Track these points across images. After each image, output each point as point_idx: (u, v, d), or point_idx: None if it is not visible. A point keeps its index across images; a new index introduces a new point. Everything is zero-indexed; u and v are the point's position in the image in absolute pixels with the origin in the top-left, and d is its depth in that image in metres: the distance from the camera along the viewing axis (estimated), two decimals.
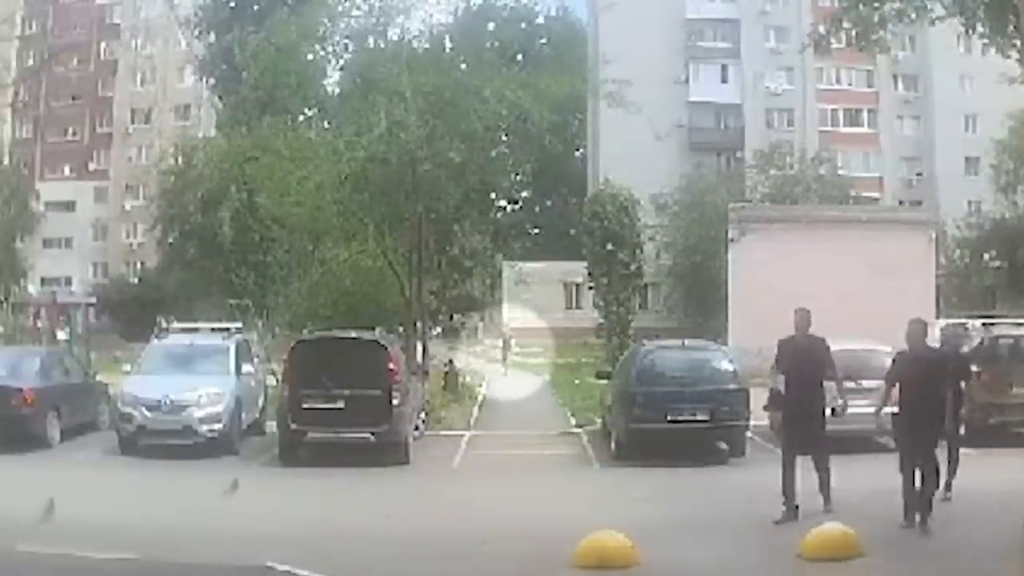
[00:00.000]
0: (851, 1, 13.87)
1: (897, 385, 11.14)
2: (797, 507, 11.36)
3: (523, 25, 69.24)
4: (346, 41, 24.44)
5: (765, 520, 11.15)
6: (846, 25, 14.06)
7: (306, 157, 22.75)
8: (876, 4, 13.69)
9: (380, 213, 23.77)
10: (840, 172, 55.30)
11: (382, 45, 23.72)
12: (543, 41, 73.08)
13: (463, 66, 23.59)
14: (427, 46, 24.55)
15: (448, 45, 26.64)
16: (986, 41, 13.70)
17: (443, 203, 23.85)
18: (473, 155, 22.75)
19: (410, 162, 21.92)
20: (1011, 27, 11.92)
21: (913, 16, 13.83)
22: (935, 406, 10.73)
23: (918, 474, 10.68)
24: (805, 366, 11.62)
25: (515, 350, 40.92)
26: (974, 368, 18.09)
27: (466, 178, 23.52)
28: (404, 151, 21.64)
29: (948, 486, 12.05)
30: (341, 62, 25.24)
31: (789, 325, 12.08)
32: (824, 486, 11.71)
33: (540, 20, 74.01)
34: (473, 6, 49.22)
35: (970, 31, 13.77)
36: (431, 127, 21.62)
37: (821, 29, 14.54)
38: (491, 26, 42.91)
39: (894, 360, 11.41)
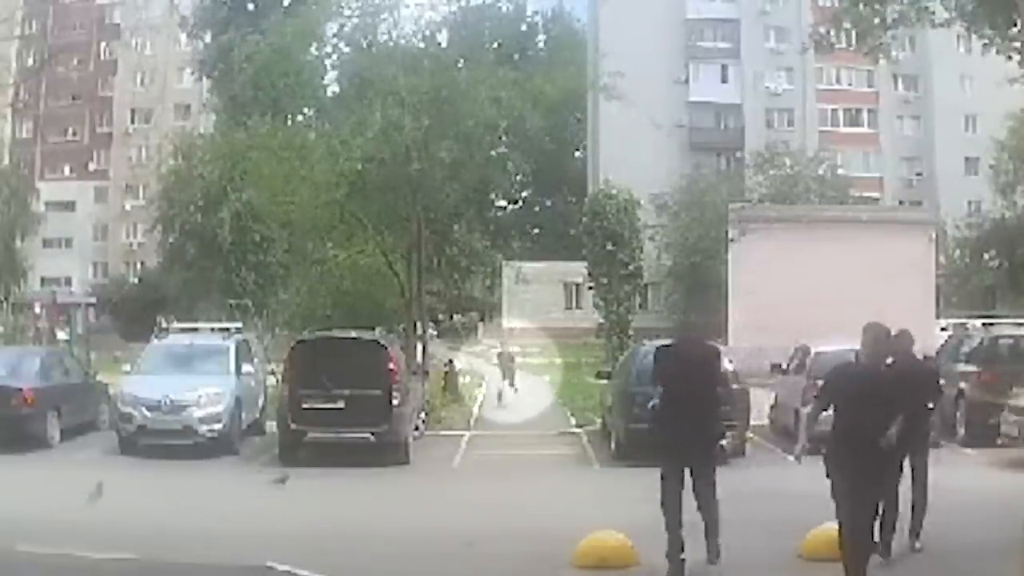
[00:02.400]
0: (851, 1, 13.85)
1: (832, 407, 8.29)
2: (683, 561, 9.05)
3: (521, 26, 69.35)
4: (342, 42, 24.47)
5: (765, 520, 11.14)
6: (846, 25, 14.04)
7: (302, 157, 22.77)
8: (877, 5, 13.67)
9: (378, 213, 23.79)
10: (840, 172, 55.32)
11: (377, 45, 23.74)
12: (541, 41, 73.19)
13: (460, 66, 23.61)
14: (423, 46, 24.56)
15: (444, 45, 26.67)
16: (987, 43, 13.68)
17: (441, 203, 23.88)
18: (471, 155, 22.77)
19: (406, 162, 21.93)
20: (1014, 29, 11.91)
21: (914, 19, 13.80)
22: (879, 435, 8.00)
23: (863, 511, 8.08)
24: (692, 377, 9.36)
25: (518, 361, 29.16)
26: (972, 368, 18.21)
27: (464, 178, 23.54)
28: (399, 151, 21.67)
29: (916, 533, 9.79)
30: (338, 62, 25.26)
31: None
32: (711, 534, 9.25)
33: (538, 21, 74.13)
34: (470, 5, 49.26)
35: (972, 34, 13.75)
36: (426, 127, 21.64)
37: (821, 29, 14.52)
38: (488, 26, 42.98)
39: (828, 377, 8.54)
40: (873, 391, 8.06)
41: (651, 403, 9.64)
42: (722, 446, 9.59)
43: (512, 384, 26.26)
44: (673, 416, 9.38)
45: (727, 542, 9.30)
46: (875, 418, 8.01)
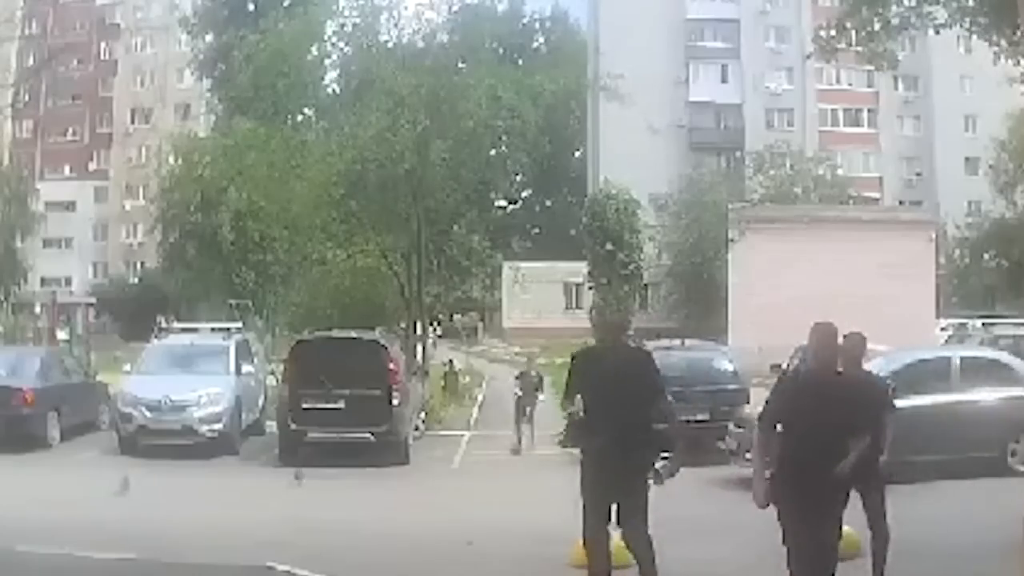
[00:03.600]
0: (853, 5, 13.83)
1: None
2: None
3: (520, 26, 69.28)
4: (342, 42, 24.51)
5: (765, 520, 11.12)
6: (848, 25, 14.02)
7: (301, 156, 22.81)
8: (879, 11, 13.66)
9: (377, 213, 23.81)
10: (840, 172, 55.33)
11: (377, 45, 23.77)
12: (541, 42, 73.18)
13: (460, 66, 23.65)
14: (422, 46, 24.61)
15: (444, 45, 26.72)
16: (995, 50, 13.68)
17: (441, 203, 23.90)
18: (470, 154, 22.80)
19: (404, 162, 21.96)
20: (1017, 32, 11.88)
21: (916, 24, 13.79)
22: (839, 458, 6.81)
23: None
24: (622, 385, 7.62)
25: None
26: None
27: (464, 178, 23.56)
28: (397, 151, 21.69)
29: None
30: (338, 62, 25.30)
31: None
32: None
33: (537, 21, 74.15)
34: (468, 5, 49.29)
35: (974, 36, 13.74)
36: (425, 127, 21.67)
37: (823, 34, 14.51)
38: (487, 27, 42.93)
39: (773, 391, 7.25)
40: (823, 406, 6.72)
41: (570, 411, 7.84)
42: (657, 471, 7.82)
43: (530, 421, 18.60)
44: (594, 435, 7.70)
45: (729, 545, 9.29)
46: (825, 440, 6.74)
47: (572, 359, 8.19)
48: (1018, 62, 13.43)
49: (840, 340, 7.23)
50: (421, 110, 21.73)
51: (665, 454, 7.98)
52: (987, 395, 14.15)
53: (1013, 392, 14.06)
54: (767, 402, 7.12)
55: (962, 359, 14.87)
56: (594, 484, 7.65)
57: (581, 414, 7.68)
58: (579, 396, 7.73)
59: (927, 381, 13.75)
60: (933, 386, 13.73)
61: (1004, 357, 15.61)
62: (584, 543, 7.79)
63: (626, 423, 7.58)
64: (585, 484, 7.69)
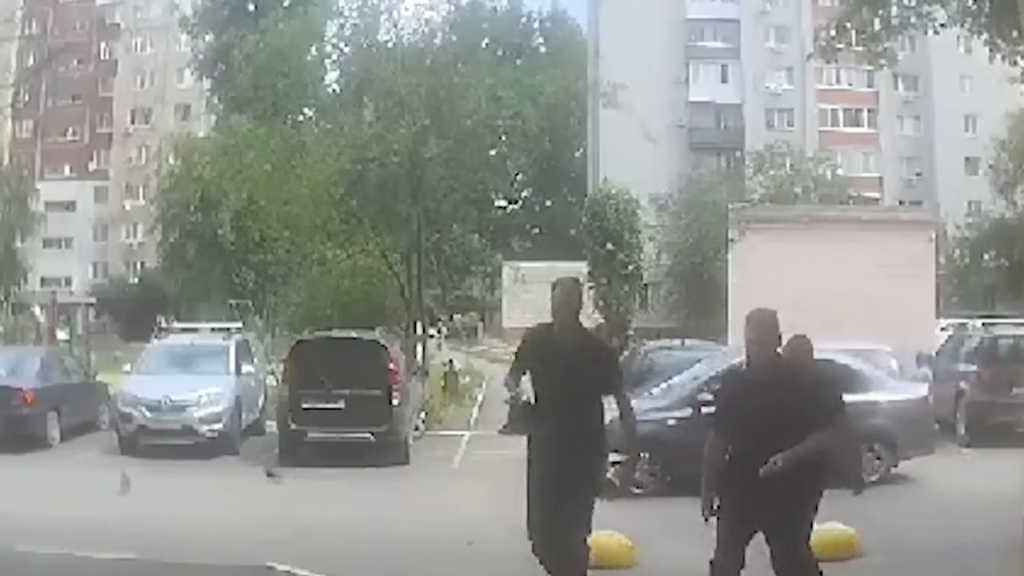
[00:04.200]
0: (854, 5, 13.84)
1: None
2: None
3: (519, 25, 69.33)
4: (342, 42, 24.54)
5: None
6: (848, 25, 14.03)
7: (300, 155, 22.84)
8: (880, 11, 13.67)
9: (377, 212, 23.84)
10: (840, 172, 55.31)
11: (376, 45, 23.80)
12: (540, 42, 73.23)
13: (459, 65, 23.68)
14: (422, 46, 24.64)
15: (443, 45, 26.75)
16: (991, 49, 13.68)
17: (439, 203, 23.92)
18: (470, 154, 22.82)
19: (403, 161, 21.99)
20: (1015, 33, 11.89)
21: (916, 24, 13.81)
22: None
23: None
24: (571, 373, 6.84)
25: None
26: (972, 368, 18.20)
27: (463, 178, 23.59)
28: (396, 150, 21.72)
29: None
30: (337, 62, 25.33)
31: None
32: None
33: (536, 21, 74.17)
34: (467, 5, 49.35)
35: (974, 37, 13.76)
36: (424, 126, 21.70)
37: (823, 35, 14.53)
38: (486, 27, 43.03)
39: (719, 391, 7.02)
40: (763, 403, 6.18)
41: (512, 394, 7.08)
42: (609, 478, 7.05)
43: None
44: (540, 424, 6.95)
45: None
46: (767, 441, 6.11)
47: (520, 345, 7.40)
48: (1015, 62, 13.44)
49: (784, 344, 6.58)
50: (420, 110, 21.76)
51: (617, 457, 7.09)
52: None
53: (860, 398, 12.92)
54: (716, 408, 6.72)
55: None
56: (537, 479, 6.97)
57: (524, 398, 7.00)
58: (527, 379, 7.06)
59: None
60: None
61: (847, 360, 14.76)
62: (533, 550, 6.99)
63: (572, 416, 6.82)
64: (530, 477, 7.02)
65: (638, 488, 12.08)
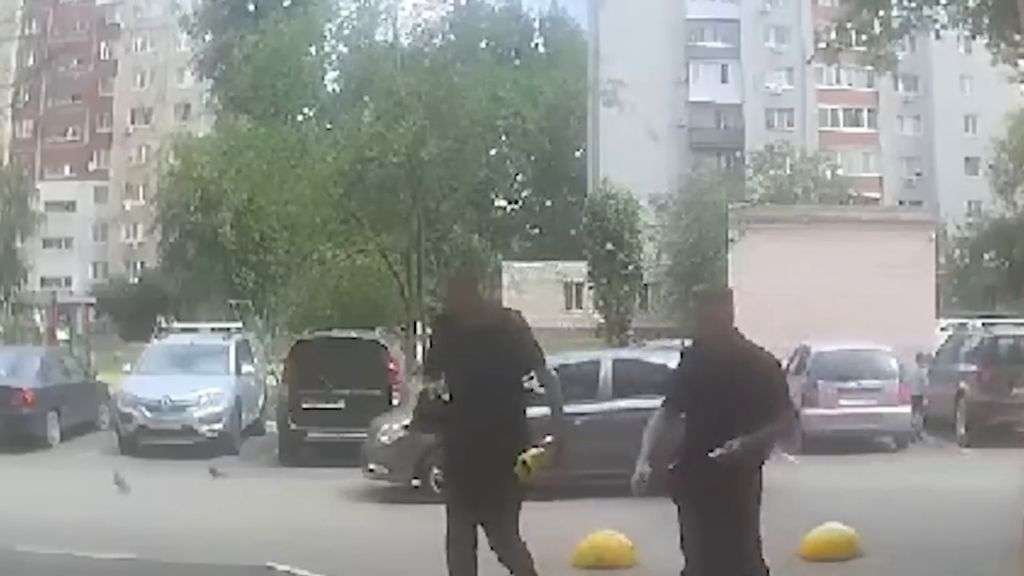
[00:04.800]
0: (855, 7, 13.85)
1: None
2: None
3: (518, 25, 69.25)
4: (341, 42, 24.56)
5: (764, 520, 11.12)
6: (849, 25, 14.04)
7: (299, 155, 22.86)
8: (880, 13, 13.68)
9: (376, 212, 23.86)
10: (840, 172, 55.31)
11: (376, 45, 23.83)
12: (539, 42, 73.21)
13: (458, 65, 23.71)
14: (421, 46, 24.67)
15: (441, 44, 26.78)
16: (994, 52, 13.69)
17: (439, 203, 23.94)
18: (470, 155, 22.83)
19: (401, 162, 22.01)
20: (1015, 34, 11.90)
21: (917, 26, 13.81)
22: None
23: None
24: (473, 359, 6.11)
25: None
26: (972, 368, 18.19)
27: (463, 177, 23.61)
28: (392, 151, 21.74)
29: None
30: (337, 62, 25.34)
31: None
32: None
33: (536, 21, 74.09)
34: (467, 5, 49.31)
35: (975, 38, 13.76)
36: (421, 127, 21.72)
37: (824, 37, 14.56)
38: (485, 27, 43.03)
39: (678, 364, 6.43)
40: (712, 384, 5.72)
41: (422, 388, 6.57)
42: (519, 467, 6.12)
43: None
44: (449, 421, 6.28)
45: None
46: (715, 425, 5.64)
47: (432, 330, 6.75)
48: (1015, 64, 13.45)
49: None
50: (420, 110, 21.79)
51: (538, 447, 6.19)
52: (646, 403, 13.02)
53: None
54: (667, 389, 6.22)
55: (614, 363, 13.91)
56: (450, 482, 6.45)
57: (437, 393, 6.29)
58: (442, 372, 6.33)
59: (571, 389, 11.31)
60: (580, 395, 12.28)
61: (671, 359, 14.68)
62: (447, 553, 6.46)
63: (482, 408, 6.06)
64: (444, 479, 6.55)
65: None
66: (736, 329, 5.93)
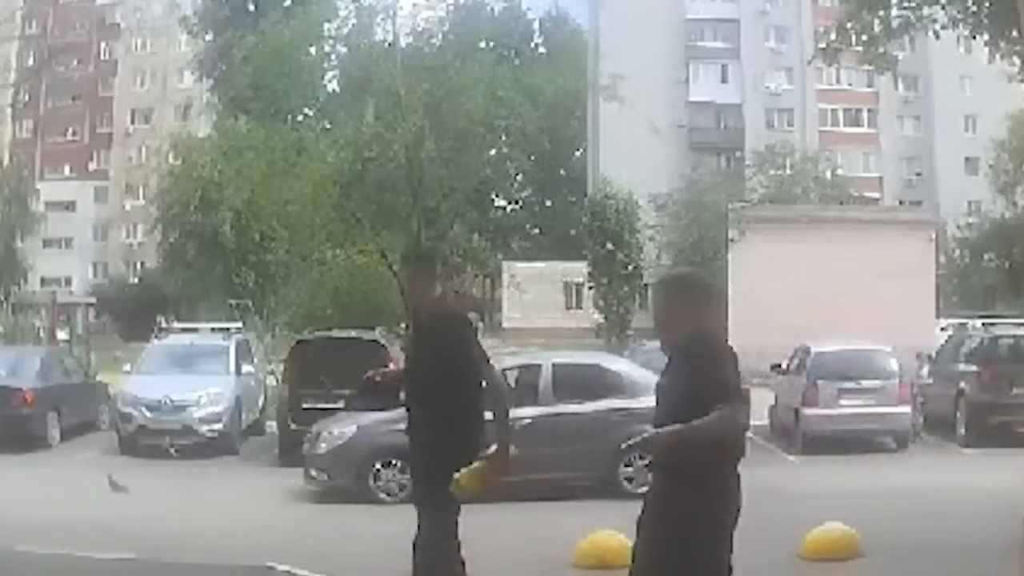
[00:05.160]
0: (855, 7, 13.87)
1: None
2: None
3: (518, 25, 69.32)
4: (340, 42, 24.55)
5: (765, 520, 11.11)
6: (849, 25, 14.05)
7: (298, 155, 22.86)
8: (880, 13, 13.69)
9: (376, 212, 23.85)
10: (840, 172, 55.32)
11: (375, 45, 23.82)
12: (539, 41, 73.27)
13: (458, 65, 23.70)
14: (420, 45, 24.66)
15: (441, 44, 26.77)
16: (991, 50, 13.70)
17: (439, 203, 23.94)
18: (470, 155, 22.83)
19: (400, 162, 22.01)
20: (1015, 32, 11.89)
21: (917, 26, 13.83)
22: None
23: None
24: (416, 356, 6.15)
25: None
26: (972, 368, 18.18)
27: (463, 177, 23.60)
28: (392, 151, 21.74)
29: None
30: (337, 62, 25.33)
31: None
32: None
33: (536, 20, 74.15)
34: (466, 4, 49.31)
35: (974, 37, 13.77)
36: (421, 127, 21.71)
37: (824, 40, 14.56)
38: (485, 27, 43.06)
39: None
40: (663, 384, 5.19)
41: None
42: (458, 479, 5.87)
43: None
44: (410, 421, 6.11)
45: None
46: (662, 416, 5.01)
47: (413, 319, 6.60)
48: (1013, 63, 13.45)
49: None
50: (419, 110, 21.78)
51: (481, 457, 5.90)
52: (587, 407, 13.03)
53: (617, 403, 12.79)
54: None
55: (555, 366, 13.89)
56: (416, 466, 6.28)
57: (380, 376, 6.40)
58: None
59: (513, 391, 11.79)
60: (520, 398, 12.09)
61: (608, 362, 14.48)
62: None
63: (422, 407, 5.92)
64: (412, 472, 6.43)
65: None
66: (698, 319, 5.19)
